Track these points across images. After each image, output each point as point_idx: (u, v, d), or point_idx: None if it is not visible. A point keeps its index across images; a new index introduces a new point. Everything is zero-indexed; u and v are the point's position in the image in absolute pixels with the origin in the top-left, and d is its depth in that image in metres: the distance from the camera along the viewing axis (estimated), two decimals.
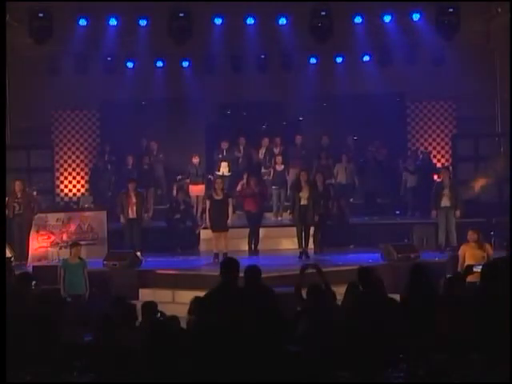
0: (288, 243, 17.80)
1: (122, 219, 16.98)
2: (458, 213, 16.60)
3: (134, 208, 16.83)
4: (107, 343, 7.56)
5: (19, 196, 16.70)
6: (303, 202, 16.55)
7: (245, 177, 18.24)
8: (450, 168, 19.99)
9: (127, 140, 20.95)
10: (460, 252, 13.74)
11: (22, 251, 16.57)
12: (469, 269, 9.69)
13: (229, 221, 16.58)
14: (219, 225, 16.48)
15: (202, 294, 8.25)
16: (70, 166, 21.63)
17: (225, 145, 20.14)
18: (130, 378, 5.87)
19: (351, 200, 20.16)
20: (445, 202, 16.64)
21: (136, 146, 20.99)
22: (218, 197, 16.56)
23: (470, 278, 9.20)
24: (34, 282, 11.53)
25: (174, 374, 5.24)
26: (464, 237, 14.04)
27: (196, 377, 5.02)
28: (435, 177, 19.48)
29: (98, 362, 7.17)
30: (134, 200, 16.89)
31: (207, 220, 16.75)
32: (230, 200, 16.80)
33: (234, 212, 17.15)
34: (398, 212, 20.16)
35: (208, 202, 16.74)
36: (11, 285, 12.60)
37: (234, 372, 4.71)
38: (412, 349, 7.19)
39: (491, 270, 8.08)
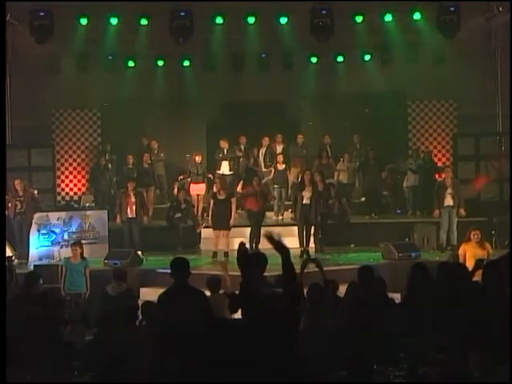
0: (289, 242, 17.66)
1: (118, 219, 17.07)
2: (462, 211, 16.59)
3: (134, 207, 16.90)
4: (107, 342, 7.56)
5: (21, 195, 16.74)
6: (305, 201, 16.57)
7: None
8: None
9: (128, 139, 20.97)
10: (460, 251, 13.74)
11: (23, 250, 16.61)
12: (480, 263, 9.61)
13: (231, 220, 16.64)
14: (221, 224, 16.55)
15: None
16: (70, 165, 21.62)
17: (224, 144, 20.14)
18: (130, 378, 5.87)
19: (352, 199, 20.18)
20: (448, 201, 16.62)
21: (137, 145, 21.01)
22: (221, 196, 16.64)
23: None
24: (41, 281, 11.61)
25: (175, 374, 5.25)
26: (464, 236, 14.03)
27: (196, 377, 5.03)
28: (437, 176, 19.50)
29: (97, 361, 7.17)
30: (133, 200, 16.96)
31: (210, 219, 16.84)
32: (234, 200, 16.86)
33: (236, 211, 17.20)
34: (398, 211, 20.17)
35: (211, 202, 16.83)
36: (17, 283, 12.69)
37: (233, 373, 4.71)
38: (412, 348, 7.19)
39: (492, 269, 8.08)
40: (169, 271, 14.59)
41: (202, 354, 4.87)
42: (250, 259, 7.24)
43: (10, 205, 16.63)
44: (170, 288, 7.78)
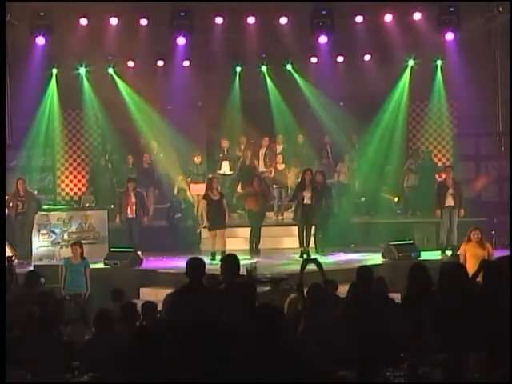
0: (289, 242, 17.83)
1: (118, 219, 17.06)
2: (462, 212, 16.58)
3: (134, 208, 16.89)
4: (105, 342, 7.55)
5: (22, 195, 16.75)
6: (306, 201, 16.57)
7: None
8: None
9: (128, 139, 20.95)
10: (461, 251, 13.74)
11: (24, 250, 16.61)
12: (485, 265, 9.61)
13: (226, 219, 16.65)
14: (216, 224, 16.55)
15: None
16: (70, 165, 21.57)
17: (225, 143, 20.14)
18: (130, 378, 5.86)
19: (352, 199, 20.17)
20: (449, 201, 16.60)
21: (137, 145, 20.99)
22: (215, 197, 16.64)
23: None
24: (42, 280, 11.61)
25: (173, 374, 5.25)
26: (465, 236, 14.04)
27: (194, 377, 5.03)
28: (437, 176, 19.49)
29: (97, 361, 7.17)
30: (133, 199, 16.94)
31: (204, 220, 16.84)
32: (225, 200, 16.87)
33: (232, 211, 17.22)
34: (398, 211, 20.17)
35: (205, 202, 16.83)
36: (17, 283, 12.70)
37: (233, 373, 4.72)
38: (412, 348, 7.19)
39: (493, 269, 8.08)
40: (169, 271, 14.56)
41: (213, 352, 4.87)
42: None
43: (11, 204, 16.64)
44: (184, 287, 7.75)
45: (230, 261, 8.25)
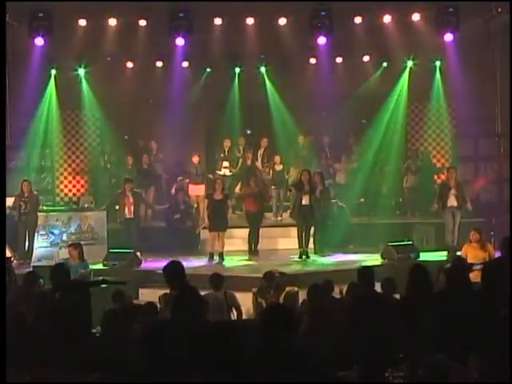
0: (288, 243, 17.83)
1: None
2: (469, 206, 16.58)
3: (132, 208, 16.89)
4: (108, 342, 7.55)
5: (26, 195, 16.77)
6: (304, 202, 16.56)
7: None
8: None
9: (127, 140, 20.94)
10: (462, 252, 13.74)
11: (26, 250, 16.60)
12: (469, 267, 9.69)
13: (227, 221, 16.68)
14: (218, 225, 16.54)
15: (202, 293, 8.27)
16: (69, 165, 21.58)
17: (227, 143, 20.10)
18: (131, 379, 5.86)
19: (351, 200, 20.17)
20: (452, 201, 16.62)
21: (136, 146, 20.99)
22: (218, 197, 16.62)
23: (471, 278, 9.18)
24: (41, 281, 11.60)
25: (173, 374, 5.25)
26: (464, 237, 14.04)
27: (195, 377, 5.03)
28: (435, 177, 19.49)
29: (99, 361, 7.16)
30: (131, 200, 16.94)
31: (206, 220, 16.83)
32: (229, 201, 16.87)
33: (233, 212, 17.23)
34: (398, 212, 20.17)
35: (207, 202, 16.82)
36: (16, 284, 12.69)
37: (235, 373, 4.71)
38: (412, 349, 7.18)
39: (492, 270, 8.08)
40: None
41: (207, 354, 4.87)
42: None
43: (15, 205, 16.67)
44: (177, 293, 7.76)
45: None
